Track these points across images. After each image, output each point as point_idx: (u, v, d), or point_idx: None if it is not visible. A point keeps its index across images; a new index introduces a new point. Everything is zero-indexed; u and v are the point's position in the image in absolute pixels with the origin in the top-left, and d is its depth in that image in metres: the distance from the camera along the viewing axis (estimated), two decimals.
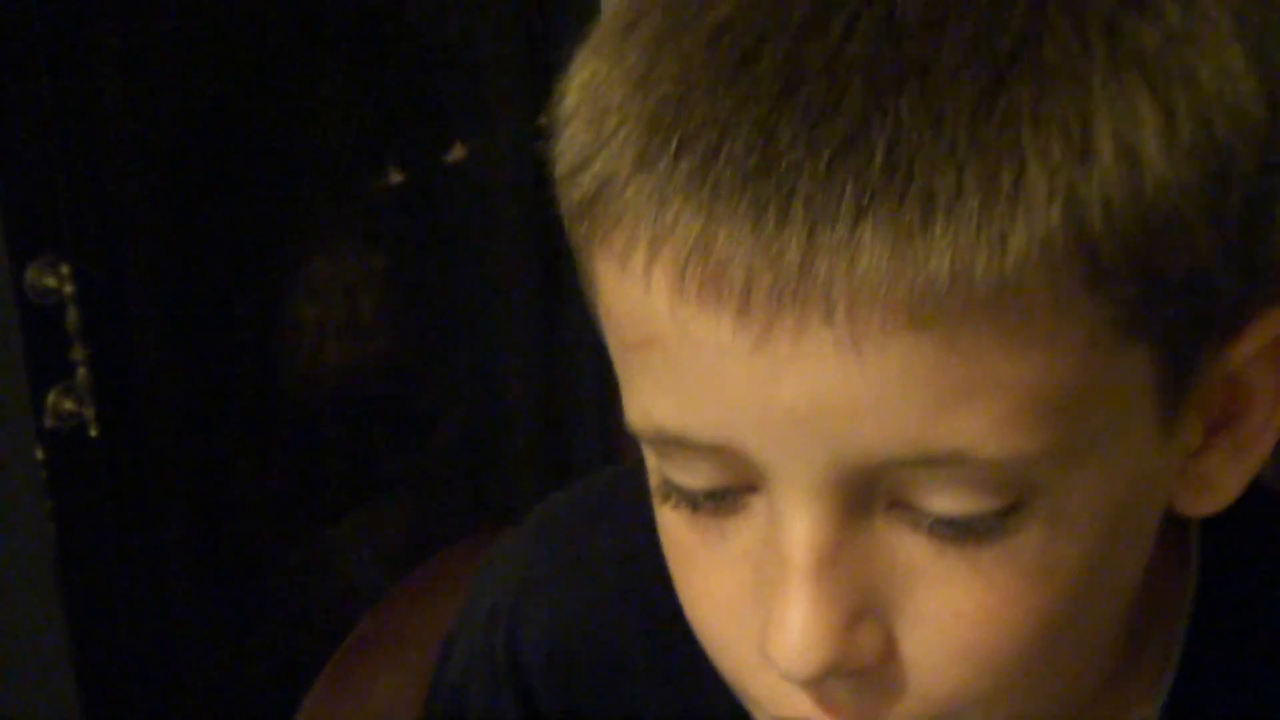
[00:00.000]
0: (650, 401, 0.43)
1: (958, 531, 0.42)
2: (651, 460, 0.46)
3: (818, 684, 0.44)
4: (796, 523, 0.42)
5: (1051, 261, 0.37)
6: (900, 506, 0.42)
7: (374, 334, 1.59)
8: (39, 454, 1.35)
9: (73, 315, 1.33)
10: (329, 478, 1.61)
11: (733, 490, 0.44)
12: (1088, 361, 0.40)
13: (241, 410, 1.51)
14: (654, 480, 0.47)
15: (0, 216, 1.28)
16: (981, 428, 0.40)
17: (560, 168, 0.43)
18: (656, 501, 0.47)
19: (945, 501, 0.41)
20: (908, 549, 0.43)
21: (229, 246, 1.47)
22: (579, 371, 1.77)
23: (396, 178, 1.56)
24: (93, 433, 1.36)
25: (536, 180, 1.62)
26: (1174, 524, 0.50)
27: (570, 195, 0.43)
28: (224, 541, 1.54)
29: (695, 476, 0.44)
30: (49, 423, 1.34)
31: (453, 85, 1.59)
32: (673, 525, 0.47)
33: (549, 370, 1.77)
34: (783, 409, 0.40)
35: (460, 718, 0.67)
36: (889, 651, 0.44)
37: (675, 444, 0.43)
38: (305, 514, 1.59)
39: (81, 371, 1.34)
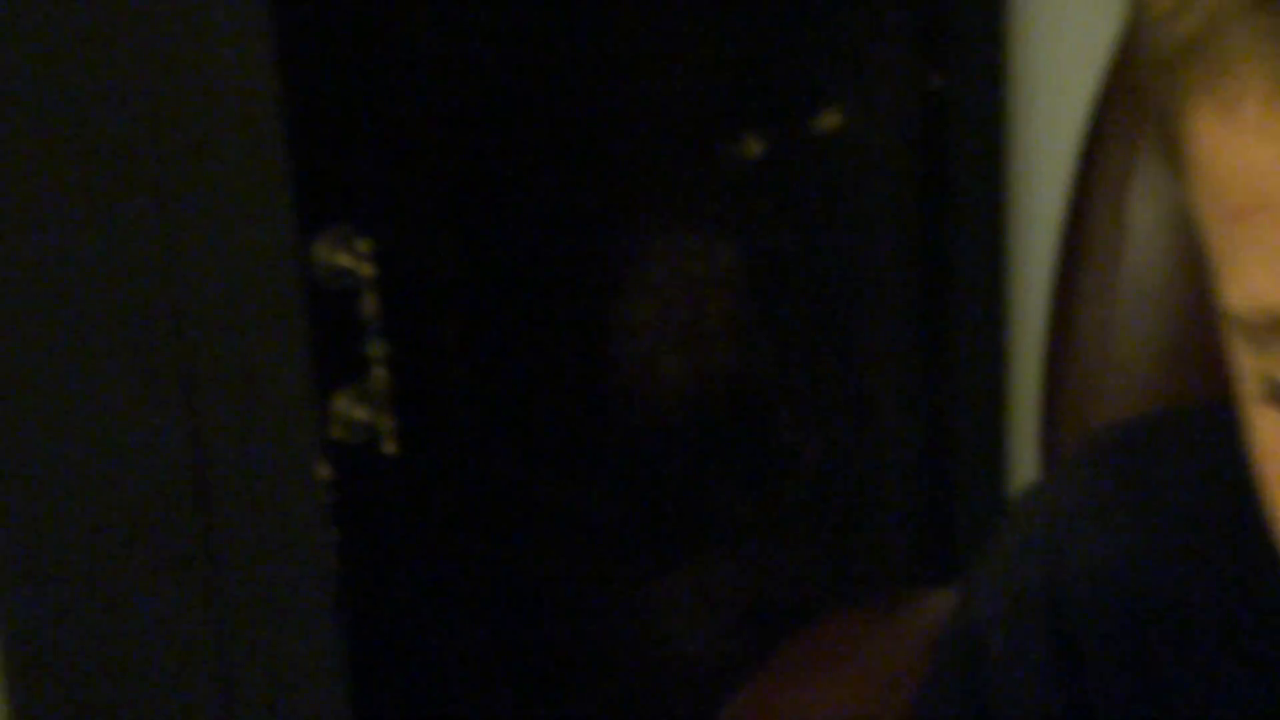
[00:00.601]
0: (1259, 278, 0.42)
1: None
2: (1248, 360, 0.45)
3: None
4: None
5: None
6: None
7: (720, 343, 1.48)
8: (323, 472, 1.23)
9: (369, 302, 1.21)
10: (657, 520, 1.51)
11: None
12: None
13: (560, 431, 1.43)
14: (1251, 384, 0.46)
15: (290, 185, 1.18)
16: None
17: (1154, 9, 0.42)
18: (1253, 410, 0.46)
19: None
20: None
21: (553, 230, 1.36)
22: (971, 398, 1.64)
23: (755, 148, 1.45)
24: (388, 449, 1.23)
25: (923, 154, 1.52)
26: None
27: (1164, 40, 0.42)
28: (528, 587, 1.45)
29: None
30: (336, 433, 1.22)
31: (824, 39, 1.48)
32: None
33: (932, 396, 1.65)
34: None
35: (978, 659, 0.65)
36: None
37: None
38: (626, 563, 1.50)
39: (377, 373, 1.22)
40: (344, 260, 1.19)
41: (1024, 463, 1.72)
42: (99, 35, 1.27)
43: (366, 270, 1.19)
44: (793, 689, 1.15)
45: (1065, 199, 1.10)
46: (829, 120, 1.48)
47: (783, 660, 1.14)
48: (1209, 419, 0.49)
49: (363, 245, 1.19)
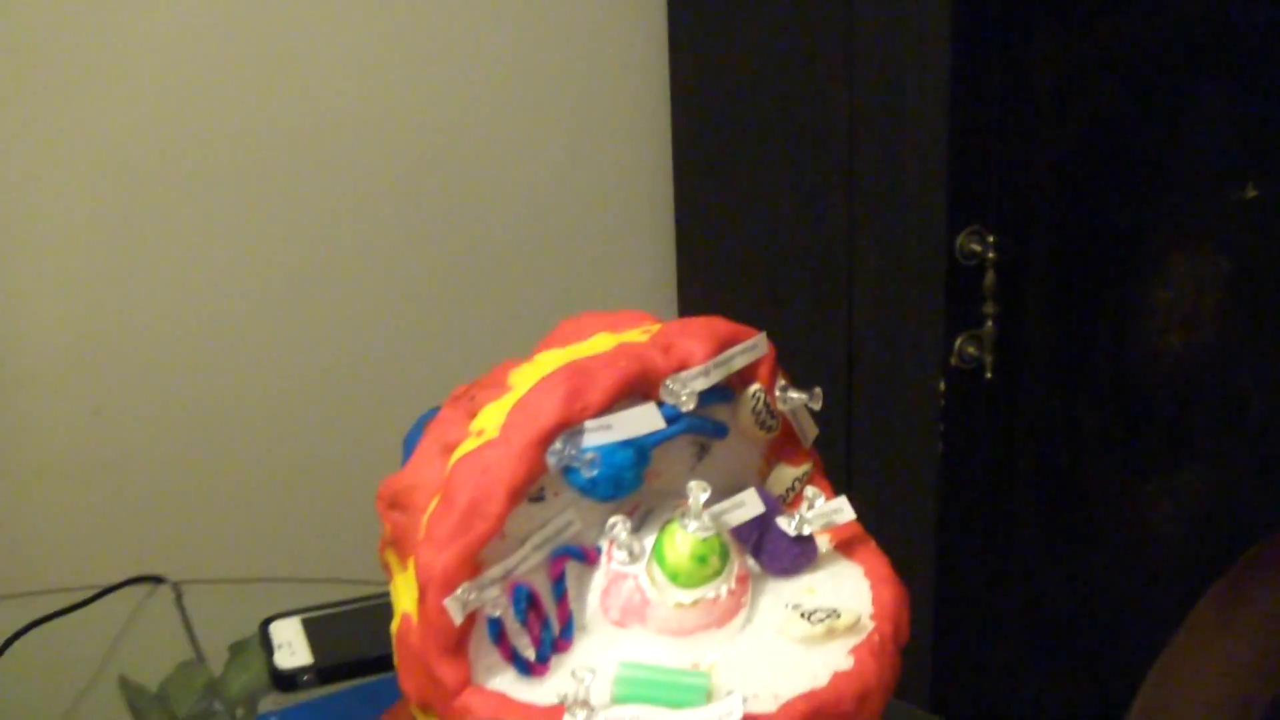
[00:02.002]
0: None
1: None
2: None
3: None
4: None
5: None
6: None
7: (1209, 324, 1.71)
8: (941, 386, 1.54)
9: (989, 277, 1.51)
10: (1151, 443, 1.73)
11: None
12: None
13: (1097, 375, 1.66)
14: None
15: (945, 194, 1.48)
16: None
17: None
18: None
19: None
20: None
21: (1108, 238, 1.61)
22: None
23: (1252, 193, 1.68)
24: (988, 375, 1.54)
25: None
26: None
27: None
28: (1064, 479, 1.69)
29: None
30: (953, 361, 1.53)
31: None
32: None
33: None
34: None
35: None
36: None
37: None
38: (1127, 470, 1.73)
39: (988, 324, 1.53)
40: (975, 248, 1.50)
41: None
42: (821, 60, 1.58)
43: (990, 256, 1.49)
44: (1264, 579, 1.17)
45: None
46: (1250, 192, 1.69)
47: (1254, 557, 1.18)
48: None
49: (989, 239, 1.49)
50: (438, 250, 1.85)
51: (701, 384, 0.55)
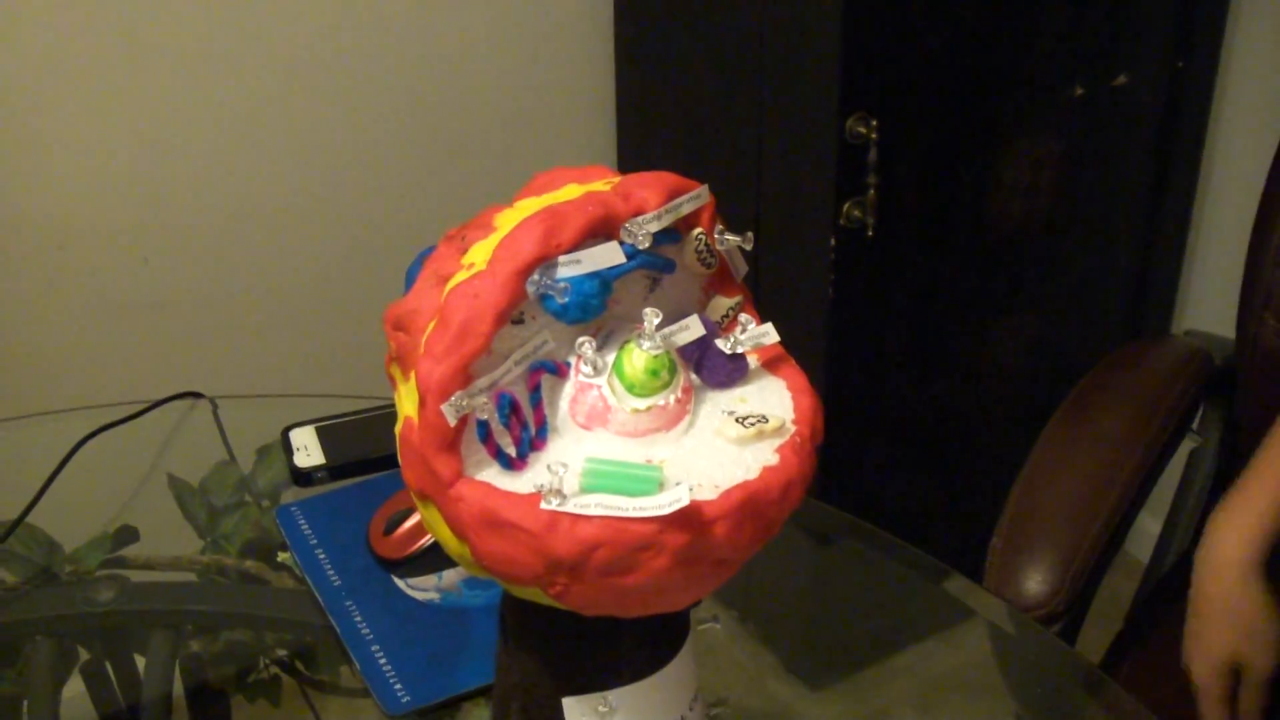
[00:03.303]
0: None
1: None
2: None
3: None
4: None
5: None
6: None
7: (1044, 196, 1.70)
8: (831, 242, 1.53)
9: (872, 154, 1.49)
10: (996, 291, 1.73)
11: None
12: None
13: (956, 236, 1.66)
14: None
15: (838, 85, 1.45)
16: None
17: None
18: None
19: None
20: None
21: (968, 125, 1.59)
22: (1162, 244, 1.81)
23: (1079, 91, 1.66)
24: (869, 234, 1.53)
25: (1166, 112, 1.76)
26: None
27: None
28: (928, 319, 1.69)
29: None
30: (842, 223, 1.52)
31: (1126, 20, 1.65)
32: None
33: (1142, 233, 1.84)
34: None
35: None
36: None
37: None
38: (977, 312, 1.73)
39: (870, 193, 1.51)
40: (861, 130, 1.48)
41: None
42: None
43: (873, 136, 1.47)
44: (1119, 376, 1.16)
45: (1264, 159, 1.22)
46: (1120, 79, 1.68)
47: (1087, 385, 1.16)
48: None
49: (873, 122, 1.47)
50: (429, 121, 1.80)
51: (655, 226, 0.52)
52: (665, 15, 1.74)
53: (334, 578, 0.92)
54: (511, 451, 0.50)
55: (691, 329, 0.53)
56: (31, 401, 1.62)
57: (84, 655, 0.93)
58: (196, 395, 1.14)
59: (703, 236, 0.55)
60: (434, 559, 0.90)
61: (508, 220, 0.53)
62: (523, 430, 0.51)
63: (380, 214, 1.79)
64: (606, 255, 0.51)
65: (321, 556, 0.94)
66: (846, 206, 1.53)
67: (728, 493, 0.50)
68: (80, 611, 0.94)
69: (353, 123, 1.73)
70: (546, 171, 0.56)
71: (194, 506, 1.04)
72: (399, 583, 0.91)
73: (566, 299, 0.50)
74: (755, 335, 0.55)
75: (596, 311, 0.52)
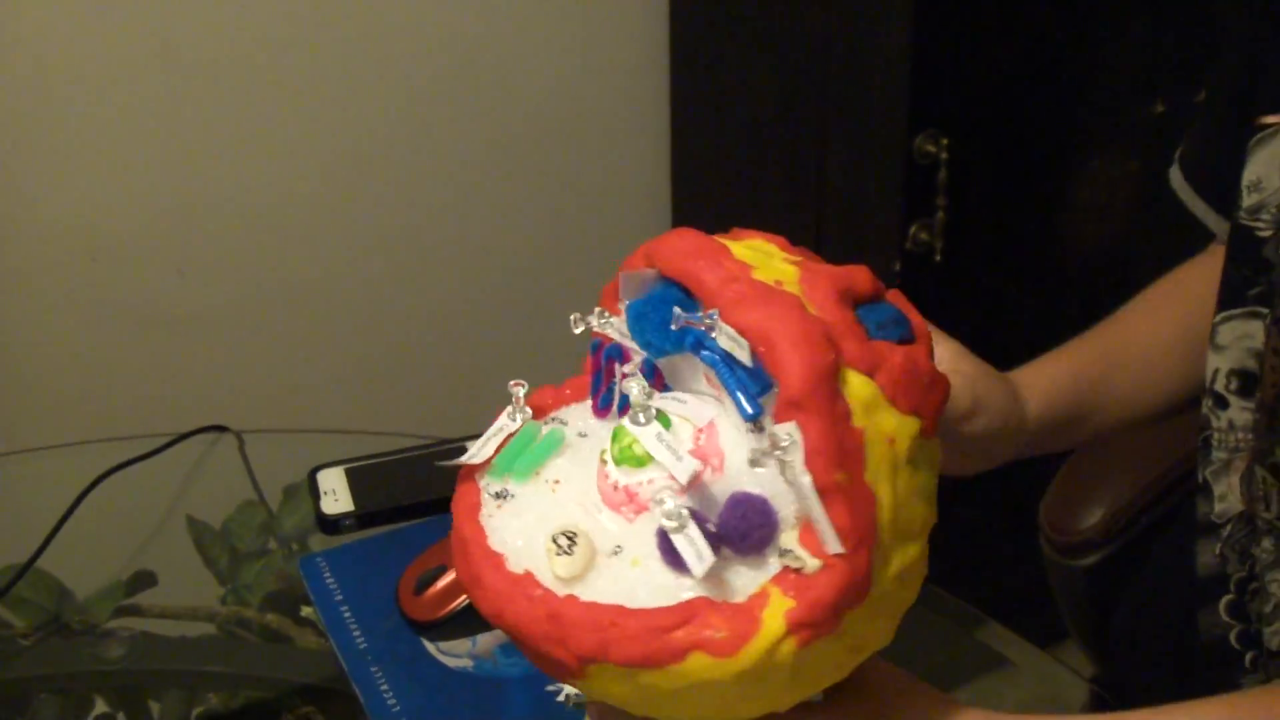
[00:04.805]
0: None
1: None
2: None
3: None
4: None
5: None
6: None
7: (1119, 216, 1.62)
8: (896, 266, 1.45)
9: (941, 174, 1.42)
10: (1072, 314, 1.56)
11: None
12: None
13: (1026, 258, 1.59)
14: None
15: (906, 103, 1.39)
16: None
17: None
18: None
19: None
20: None
21: (1040, 144, 1.52)
22: None
23: (1160, 109, 1.57)
24: (937, 258, 1.46)
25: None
26: None
27: None
28: (1000, 346, 1.55)
29: None
30: (908, 246, 1.45)
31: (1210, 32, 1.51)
32: None
33: None
34: None
35: None
36: None
37: None
38: (1051, 338, 1.53)
39: (939, 214, 1.45)
40: (930, 148, 1.41)
41: None
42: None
43: (943, 156, 1.41)
44: None
45: None
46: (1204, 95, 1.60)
47: None
48: None
49: (943, 141, 1.41)
50: (478, 137, 1.69)
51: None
52: (724, 24, 1.65)
53: (360, 639, 0.83)
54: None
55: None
56: (51, 423, 1.54)
57: (100, 706, 0.85)
58: (221, 429, 1.06)
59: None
60: (468, 622, 0.82)
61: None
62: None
63: (430, 232, 1.69)
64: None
65: (347, 614, 0.85)
66: (914, 229, 1.46)
67: None
68: (88, 670, 0.86)
69: (399, 138, 1.64)
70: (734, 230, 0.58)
71: (214, 551, 0.96)
72: (429, 647, 0.82)
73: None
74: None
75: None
